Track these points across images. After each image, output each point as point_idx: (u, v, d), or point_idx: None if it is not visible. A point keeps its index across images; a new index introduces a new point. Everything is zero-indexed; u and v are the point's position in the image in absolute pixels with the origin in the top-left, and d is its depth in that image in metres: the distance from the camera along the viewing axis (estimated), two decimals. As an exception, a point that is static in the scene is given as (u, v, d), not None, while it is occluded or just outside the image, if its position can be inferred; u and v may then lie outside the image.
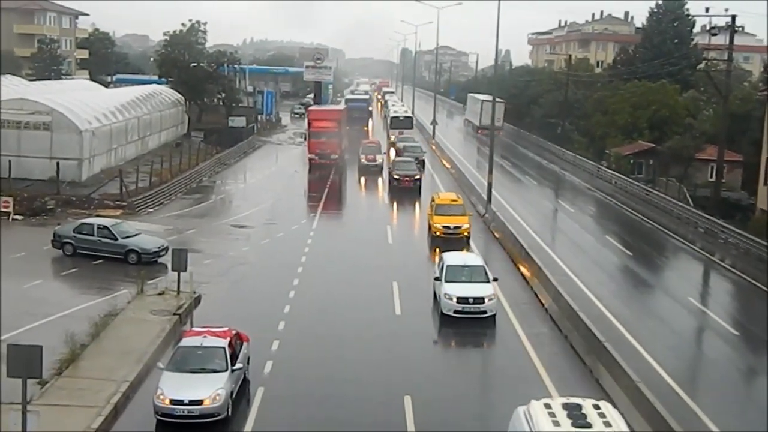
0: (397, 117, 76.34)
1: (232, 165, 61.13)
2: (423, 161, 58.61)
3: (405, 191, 48.95)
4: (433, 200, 38.60)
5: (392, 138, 71.65)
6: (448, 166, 61.33)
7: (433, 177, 55.81)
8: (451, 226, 35.95)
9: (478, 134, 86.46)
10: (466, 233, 36.11)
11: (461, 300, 25.01)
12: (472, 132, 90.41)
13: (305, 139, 59.96)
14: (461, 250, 32.38)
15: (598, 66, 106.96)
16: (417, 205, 46.35)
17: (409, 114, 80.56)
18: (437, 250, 33.39)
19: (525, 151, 77.67)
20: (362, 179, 54.70)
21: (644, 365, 21.73)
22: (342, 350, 22.68)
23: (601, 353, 21.14)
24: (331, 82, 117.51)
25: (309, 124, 59.43)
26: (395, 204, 46.78)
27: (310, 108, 66.86)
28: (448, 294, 25.23)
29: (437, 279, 26.44)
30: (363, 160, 57.25)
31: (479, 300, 25.02)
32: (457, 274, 26.00)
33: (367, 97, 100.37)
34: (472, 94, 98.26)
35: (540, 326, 25.10)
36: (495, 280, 26.37)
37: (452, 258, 27.22)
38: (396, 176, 50.08)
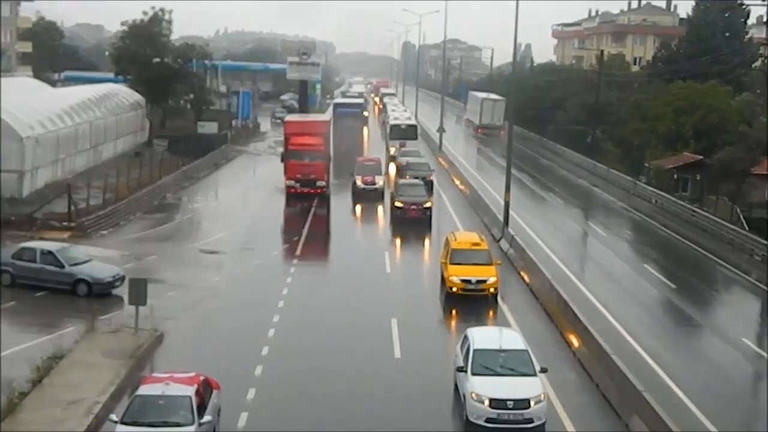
0: (398, 125, 75.07)
1: (202, 179, 61.26)
2: (431, 182, 56.24)
3: (411, 224, 45.40)
4: (447, 243, 34.18)
5: (392, 150, 71.01)
6: (461, 185, 59.59)
7: (440, 197, 55.25)
8: (473, 279, 31.64)
9: (478, 133, 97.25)
10: (492, 289, 31.89)
11: (496, 404, 20.84)
12: (473, 132, 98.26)
13: (281, 160, 53.81)
14: (487, 314, 30.33)
15: (635, 63, 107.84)
16: (427, 243, 43.41)
17: (413, 122, 79.09)
18: (454, 314, 31.22)
19: (548, 162, 78.10)
20: (357, 208, 51.60)
21: (689, 418, 21.70)
22: (330, 401, 22.63)
23: (639, 404, 21.04)
24: (319, 81, 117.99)
25: (286, 140, 53.94)
26: (398, 242, 43.32)
27: (287, 120, 59.71)
28: (477, 395, 20.96)
29: (460, 370, 22.23)
30: (359, 183, 53.61)
31: (522, 404, 20.84)
32: (489, 362, 21.87)
33: (361, 101, 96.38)
34: (472, 92, 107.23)
35: (566, 371, 25.14)
36: (544, 371, 22.26)
37: (481, 337, 22.95)
38: (399, 204, 46.33)
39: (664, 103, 65.37)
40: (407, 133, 73.48)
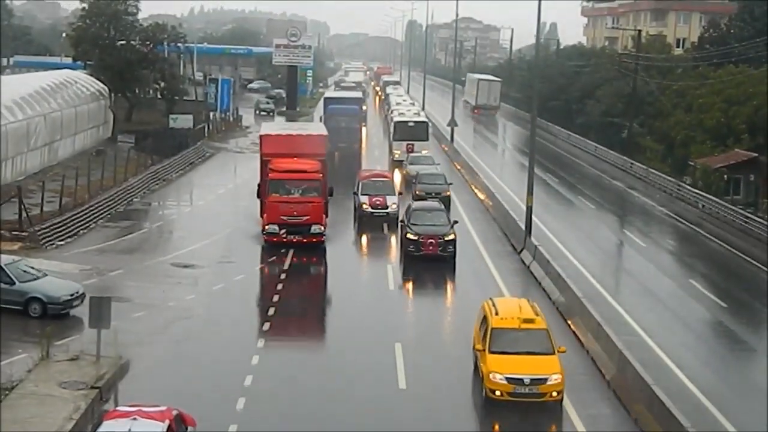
0: (404, 123, 71.55)
1: (174, 180, 61.13)
2: (449, 197, 52.30)
3: (428, 264, 39.96)
4: (484, 319, 26.94)
5: (397, 154, 68.93)
6: (480, 192, 56.83)
7: (456, 209, 51.95)
8: (526, 378, 24.63)
9: (474, 114, 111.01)
10: (555, 393, 24.77)
11: None
12: (470, 114, 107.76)
13: (258, 195, 43.65)
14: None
15: (678, 46, 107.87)
16: (449, 291, 38.64)
17: (423, 118, 75.41)
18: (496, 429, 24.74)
19: (576, 161, 78.12)
20: (363, 239, 46.55)
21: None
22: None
23: (685, 444, 21.04)
24: (310, 68, 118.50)
25: (264, 163, 44.22)
26: (410, 290, 37.95)
27: (264, 133, 47.14)
28: None
29: None
30: (366, 206, 47.72)
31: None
32: None
33: (358, 94, 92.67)
34: (470, 74, 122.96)
35: (599, 405, 24.98)
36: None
37: None
38: (413, 236, 40.30)
39: (712, 92, 65.56)
40: (416, 132, 70.15)
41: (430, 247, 39.83)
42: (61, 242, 41.74)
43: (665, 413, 22.49)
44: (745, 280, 40.83)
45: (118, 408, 20.94)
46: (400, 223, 43.19)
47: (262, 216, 42.58)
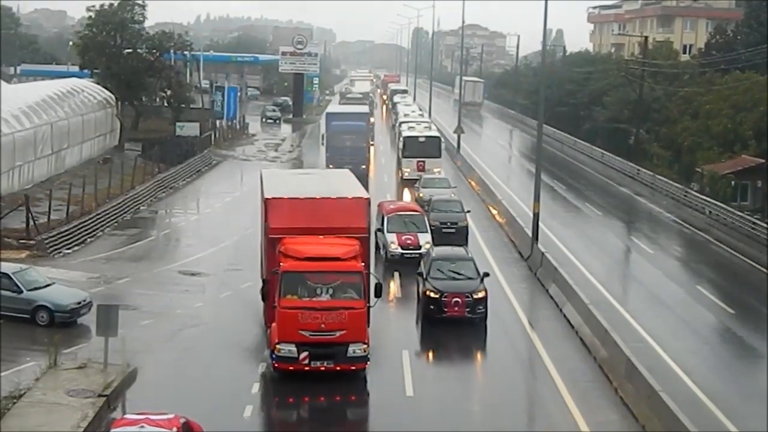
0: (414, 138, 65.84)
1: (181, 188, 61.39)
2: (467, 228, 46.03)
3: (452, 329, 32.14)
4: None
5: (407, 172, 63.71)
6: (499, 215, 52.37)
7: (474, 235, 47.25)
8: None
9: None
10: None
11: None
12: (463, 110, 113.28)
13: (262, 297, 28.34)
14: None
15: (685, 52, 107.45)
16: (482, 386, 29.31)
17: (435, 132, 69.24)
18: None
19: (583, 167, 78.19)
20: (392, 287, 38.18)
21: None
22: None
23: (693, 451, 21.05)
24: (317, 75, 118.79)
25: (271, 242, 28.93)
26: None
27: (270, 198, 30.02)
28: None
29: None
30: (394, 246, 40.80)
31: None
32: None
33: (364, 109, 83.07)
34: (457, 77, 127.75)
35: (607, 412, 25.01)
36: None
37: None
38: (433, 293, 32.56)
39: (719, 98, 65.43)
40: (427, 148, 64.55)
41: (456, 308, 32.43)
42: (68, 250, 41.91)
43: (673, 420, 22.47)
44: (753, 287, 40.69)
45: (126, 416, 20.93)
46: (417, 276, 35.33)
47: (272, 331, 27.33)
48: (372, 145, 72.54)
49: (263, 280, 28.69)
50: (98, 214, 47.69)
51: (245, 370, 27.15)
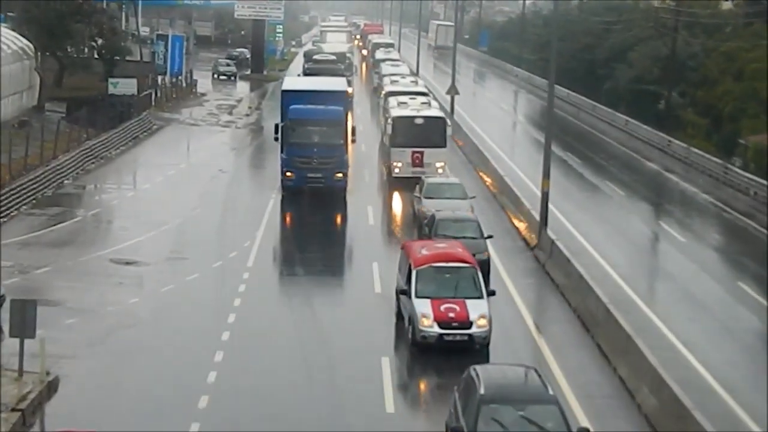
0: (407, 119, 51.21)
1: (114, 159, 58.93)
2: (488, 262, 34.40)
3: None
4: None
5: (396, 168, 50.02)
6: (500, 194, 47.70)
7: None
8: None
9: (434, 52, 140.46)
10: None
11: None
12: (432, 53, 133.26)
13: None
14: None
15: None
16: None
17: (437, 112, 54.24)
18: None
19: (602, 137, 75.72)
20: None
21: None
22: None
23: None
24: (281, 23, 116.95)
25: None
26: None
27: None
28: None
29: None
30: (428, 321, 27.20)
31: None
32: None
33: (341, 85, 56.27)
34: (432, 21, 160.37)
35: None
36: None
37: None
38: None
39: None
40: (427, 134, 50.18)
41: None
42: (-24, 234, 40.96)
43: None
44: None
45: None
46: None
47: None
48: (353, 140, 51.21)
49: None
50: (12, 189, 45.05)
51: (191, 381, 26.09)
